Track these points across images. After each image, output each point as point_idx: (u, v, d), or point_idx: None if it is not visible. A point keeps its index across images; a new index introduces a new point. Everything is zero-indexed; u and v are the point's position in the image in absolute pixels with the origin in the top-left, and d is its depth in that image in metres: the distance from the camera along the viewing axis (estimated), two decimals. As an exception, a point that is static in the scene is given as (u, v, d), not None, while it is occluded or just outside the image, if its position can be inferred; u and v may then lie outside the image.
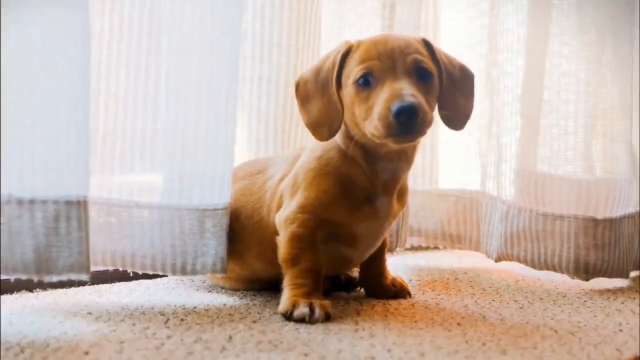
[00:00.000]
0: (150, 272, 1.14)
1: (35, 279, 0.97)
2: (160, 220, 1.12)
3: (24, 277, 0.97)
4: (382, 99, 0.99)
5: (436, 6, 1.55)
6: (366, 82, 1.03)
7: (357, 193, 1.09)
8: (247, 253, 1.17)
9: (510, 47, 1.44)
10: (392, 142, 1.01)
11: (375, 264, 1.22)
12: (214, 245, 1.13)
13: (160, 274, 1.16)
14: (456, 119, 1.11)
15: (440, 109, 1.09)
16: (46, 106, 0.97)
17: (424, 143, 1.58)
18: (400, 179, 1.11)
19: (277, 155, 1.28)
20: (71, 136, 0.98)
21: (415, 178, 1.56)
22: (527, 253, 1.41)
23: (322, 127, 1.08)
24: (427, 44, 1.08)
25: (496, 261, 1.45)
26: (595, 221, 1.36)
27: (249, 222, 1.16)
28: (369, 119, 1.01)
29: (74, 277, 0.99)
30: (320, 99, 1.08)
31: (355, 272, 1.28)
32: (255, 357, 0.85)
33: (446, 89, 1.08)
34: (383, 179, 1.09)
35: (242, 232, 1.16)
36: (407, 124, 0.97)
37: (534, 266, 1.40)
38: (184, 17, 1.11)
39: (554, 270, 1.39)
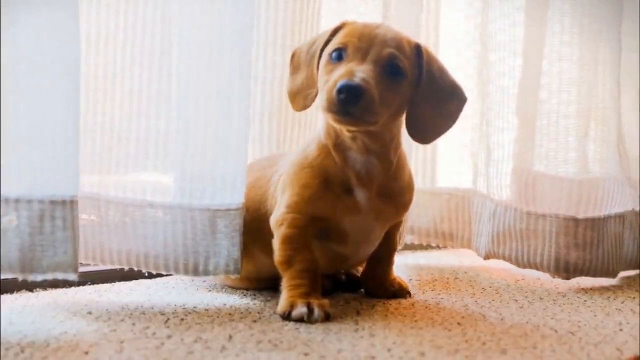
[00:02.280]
0: (164, 272, 1.15)
1: (20, 277, 0.97)
2: (173, 221, 1.13)
3: (8, 276, 0.97)
4: (337, 74, 1.00)
5: (431, 4, 1.54)
6: (338, 57, 1.04)
7: (335, 184, 1.09)
8: (253, 246, 1.17)
9: (501, 47, 1.44)
10: (332, 119, 1.02)
11: (380, 266, 1.21)
12: (226, 246, 1.13)
13: (174, 274, 1.16)
14: (423, 131, 1.10)
15: (408, 115, 1.08)
16: (33, 106, 0.97)
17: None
18: (374, 175, 1.09)
19: (288, 152, 1.28)
20: (58, 136, 0.98)
21: (416, 177, 1.56)
22: (512, 251, 1.41)
23: (299, 96, 1.11)
24: (418, 49, 1.08)
25: (485, 259, 1.46)
26: (576, 220, 1.36)
27: (256, 214, 1.17)
28: (322, 91, 1.02)
29: (59, 276, 0.98)
30: (305, 69, 1.11)
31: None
32: (255, 356, 0.85)
33: (423, 98, 1.07)
34: (355, 170, 1.09)
35: (250, 223, 1.16)
36: (346, 103, 0.97)
37: (517, 264, 1.41)
38: (194, 16, 1.12)
39: (536, 269, 1.40)
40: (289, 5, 1.35)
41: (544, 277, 1.44)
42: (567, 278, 1.38)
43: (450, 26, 1.60)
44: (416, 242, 1.62)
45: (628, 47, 1.51)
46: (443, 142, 1.60)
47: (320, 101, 1.02)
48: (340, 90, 0.97)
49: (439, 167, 1.62)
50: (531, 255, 1.39)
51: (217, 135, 1.13)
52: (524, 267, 1.40)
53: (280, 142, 1.37)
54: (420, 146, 1.57)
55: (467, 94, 1.54)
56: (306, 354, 0.87)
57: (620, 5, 1.43)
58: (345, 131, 1.06)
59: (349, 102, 0.97)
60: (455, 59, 1.58)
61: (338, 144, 1.09)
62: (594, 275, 1.38)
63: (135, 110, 1.14)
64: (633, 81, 1.53)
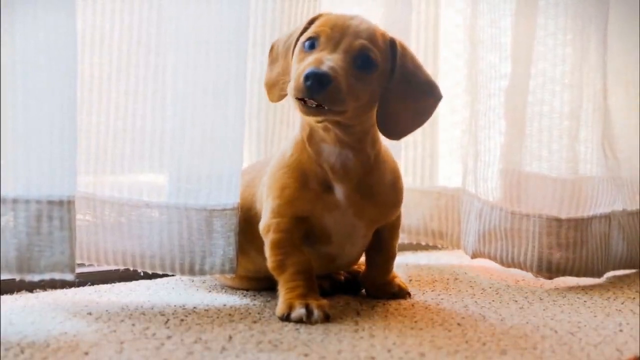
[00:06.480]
0: (160, 272, 1.15)
1: (17, 277, 0.97)
2: (169, 221, 1.13)
3: (6, 276, 0.97)
4: (307, 62, 1.00)
5: (422, 5, 1.54)
6: (311, 46, 1.04)
7: (312, 181, 1.08)
8: (250, 246, 1.17)
9: (492, 49, 1.44)
10: (298, 107, 1.00)
11: (380, 267, 1.21)
12: (222, 246, 1.14)
13: (169, 274, 1.16)
14: (393, 126, 1.09)
15: (379, 109, 1.07)
16: (31, 106, 0.97)
17: (419, 140, 1.58)
18: (350, 169, 1.08)
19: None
20: (55, 136, 0.98)
21: (407, 176, 1.55)
22: (497, 251, 1.42)
23: (275, 87, 1.11)
24: (392, 43, 1.07)
25: (472, 258, 1.47)
26: (559, 221, 1.37)
27: (249, 214, 1.17)
28: (292, 79, 1.02)
29: (57, 276, 0.99)
30: (282, 61, 1.11)
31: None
32: (255, 357, 0.86)
33: (395, 93, 1.06)
34: (330, 163, 1.08)
35: (244, 224, 1.17)
36: (313, 90, 0.96)
37: (502, 264, 1.42)
38: (190, 16, 1.12)
39: (520, 268, 1.41)
40: (277, 6, 1.35)
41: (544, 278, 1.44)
42: (550, 278, 1.39)
43: (451, 27, 1.60)
44: (406, 241, 1.62)
45: (620, 47, 1.51)
46: (441, 142, 1.61)
47: (289, 89, 1.01)
48: (307, 77, 0.96)
49: (433, 166, 1.61)
50: (515, 254, 1.40)
51: (212, 135, 1.13)
52: (509, 266, 1.42)
53: (273, 142, 1.37)
54: (411, 144, 1.57)
55: (463, 96, 1.56)
56: (306, 355, 0.87)
57: (607, 6, 1.44)
58: (313, 121, 1.05)
59: (314, 89, 0.96)
60: (454, 61, 1.58)
61: (312, 136, 1.08)
62: (578, 275, 1.39)
63: (131, 110, 1.14)
64: (633, 81, 1.53)
